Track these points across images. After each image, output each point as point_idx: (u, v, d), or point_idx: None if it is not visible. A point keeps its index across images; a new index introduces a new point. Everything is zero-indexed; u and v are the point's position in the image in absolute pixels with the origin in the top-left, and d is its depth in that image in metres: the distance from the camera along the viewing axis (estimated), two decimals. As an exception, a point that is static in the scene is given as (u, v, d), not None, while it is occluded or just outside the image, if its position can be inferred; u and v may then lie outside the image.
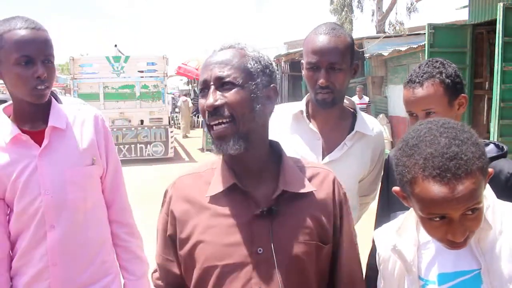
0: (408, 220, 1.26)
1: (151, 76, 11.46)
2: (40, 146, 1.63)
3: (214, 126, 1.16)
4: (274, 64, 1.27)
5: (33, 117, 1.65)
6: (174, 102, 26.26)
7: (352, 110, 1.91)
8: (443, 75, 1.59)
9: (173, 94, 27.55)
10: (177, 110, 24.99)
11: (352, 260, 1.32)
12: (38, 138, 1.64)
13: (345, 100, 1.90)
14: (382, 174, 1.91)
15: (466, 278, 1.14)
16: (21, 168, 1.61)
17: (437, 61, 1.63)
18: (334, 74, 1.70)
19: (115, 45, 12.93)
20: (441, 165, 0.99)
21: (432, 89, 1.57)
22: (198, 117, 20.19)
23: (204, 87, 1.19)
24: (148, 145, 11.44)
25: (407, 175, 1.05)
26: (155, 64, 11.48)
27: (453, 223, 1.02)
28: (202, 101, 1.19)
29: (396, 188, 1.15)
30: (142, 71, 11.50)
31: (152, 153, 11.46)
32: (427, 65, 1.62)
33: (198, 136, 14.52)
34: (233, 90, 1.16)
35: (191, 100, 24.16)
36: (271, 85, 1.24)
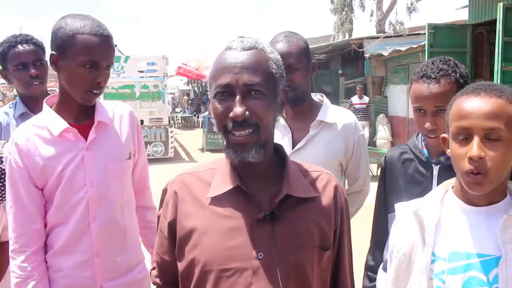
0: (433, 194, 1.29)
1: (151, 76, 11.46)
2: (84, 139, 1.69)
3: (236, 133, 1.11)
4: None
5: (78, 112, 1.70)
6: (174, 102, 26.19)
7: (322, 103, 2.09)
8: (457, 74, 1.58)
9: (173, 94, 27.54)
10: (177, 110, 24.98)
11: (350, 267, 1.32)
12: (81, 131, 1.70)
13: (319, 96, 2.12)
14: (367, 162, 2.12)
15: (478, 261, 1.15)
16: (67, 160, 1.65)
17: (450, 60, 1.63)
18: (291, 74, 1.89)
19: (115, 45, 12.92)
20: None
21: (448, 87, 1.55)
22: (198, 117, 20.19)
23: (226, 91, 1.11)
24: (148, 145, 11.44)
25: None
26: (155, 64, 11.48)
27: None
28: (220, 106, 1.12)
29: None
30: (142, 71, 11.50)
31: (152, 153, 11.46)
32: (441, 62, 1.61)
33: (198, 136, 14.51)
34: (262, 100, 1.11)
35: (191, 100, 24.19)
36: (284, 89, 1.21)
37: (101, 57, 1.61)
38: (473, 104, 1.14)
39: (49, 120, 1.67)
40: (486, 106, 1.12)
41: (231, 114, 1.10)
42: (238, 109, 1.09)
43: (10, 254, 1.67)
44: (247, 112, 1.10)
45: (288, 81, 1.86)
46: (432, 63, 1.61)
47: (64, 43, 1.58)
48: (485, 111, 1.12)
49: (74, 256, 1.69)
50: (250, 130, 1.11)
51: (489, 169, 1.10)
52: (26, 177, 1.63)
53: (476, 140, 1.11)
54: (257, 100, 1.11)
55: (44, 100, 1.74)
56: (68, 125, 1.65)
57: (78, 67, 1.59)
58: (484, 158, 1.09)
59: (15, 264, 1.65)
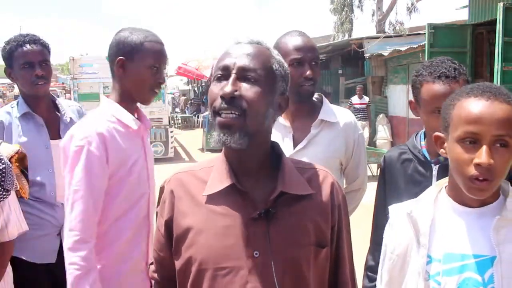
0: (426, 195, 1.28)
1: (151, 76, 11.44)
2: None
3: (222, 114, 1.13)
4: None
5: (132, 112, 1.90)
6: (174, 102, 26.16)
7: (321, 103, 2.09)
8: (466, 73, 1.60)
9: (173, 94, 27.51)
10: (177, 110, 24.98)
11: (350, 263, 1.31)
12: None
13: (317, 96, 2.10)
14: (366, 161, 2.13)
15: (473, 262, 1.15)
16: (137, 154, 1.87)
17: (452, 59, 1.63)
18: (315, 67, 1.94)
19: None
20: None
21: (465, 85, 1.51)
22: (198, 117, 20.19)
23: (223, 74, 1.15)
24: (148, 145, 11.44)
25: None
26: (155, 64, 11.45)
27: None
28: (216, 88, 1.15)
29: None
30: (142, 71, 11.48)
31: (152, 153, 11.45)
32: (450, 62, 1.61)
33: (198, 136, 14.51)
34: (255, 86, 1.13)
35: (191, 100, 24.18)
36: (285, 94, 1.22)
37: (163, 61, 1.88)
38: (483, 109, 1.11)
39: (123, 115, 1.84)
40: (498, 113, 1.10)
41: (220, 93, 1.13)
42: (227, 87, 1.12)
43: (73, 244, 1.66)
44: (236, 92, 1.12)
45: (315, 73, 1.93)
46: (443, 63, 1.61)
47: (133, 49, 1.80)
48: (497, 118, 1.09)
49: (139, 246, 1.84)
50: (237, 113, 1.12)
51: (495, 176, 1.10)
52: (105, 165, 1.74)
53: (485, 147, 1.09)
54: (250, 85, 1.13)
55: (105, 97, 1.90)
56: (140, 122, 1.87)
57: (146, 69, 1.82)
58: (492, 165, 1.08)
59: (79, 255, 1.65)
